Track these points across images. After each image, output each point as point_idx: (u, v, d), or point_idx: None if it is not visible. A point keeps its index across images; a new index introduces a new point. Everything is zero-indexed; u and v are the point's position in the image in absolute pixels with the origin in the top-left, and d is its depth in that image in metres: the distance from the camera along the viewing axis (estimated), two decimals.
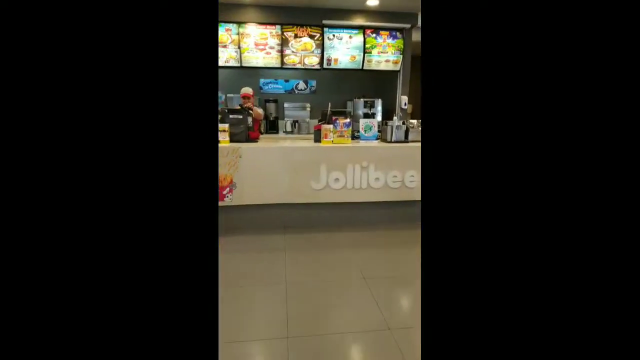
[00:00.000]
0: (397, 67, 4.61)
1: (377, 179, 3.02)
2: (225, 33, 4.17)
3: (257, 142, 3.17)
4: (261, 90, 4.84)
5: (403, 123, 3.23)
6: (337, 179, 2.97)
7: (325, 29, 4.31)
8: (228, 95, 4.55)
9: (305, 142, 3.23)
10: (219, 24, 4.12)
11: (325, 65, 4.41)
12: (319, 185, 2.96)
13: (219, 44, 4.17)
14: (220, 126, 2.93)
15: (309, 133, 4.55)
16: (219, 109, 3.55)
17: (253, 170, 2.86)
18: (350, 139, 3.10)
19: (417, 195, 3.09)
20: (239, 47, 4.21)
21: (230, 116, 3.04)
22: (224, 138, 2.93)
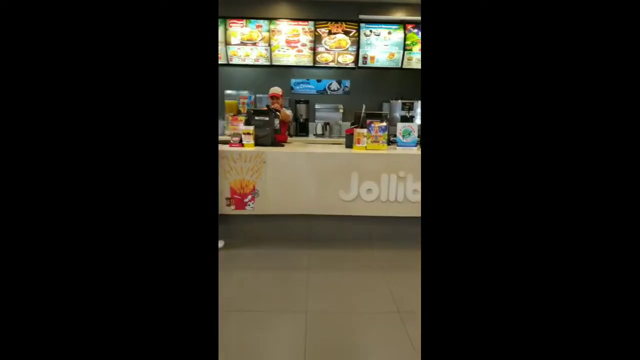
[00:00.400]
0: None
1: (415, 191, 2.67)
2: (256, 30, 3.98)
3: (283, 146, 2.93)
4: (292, 91, 4.62)
5: None
6: (369, 190, 2.65)
7: (362, 25, 4.00)
8: (257, 95, 4.37)
9: (335, 148, 2.94)
10: (249, 21, 3.94)
11: (360, 64, 4.11)
12: (349, 196, 2.66)
13: (249, 42, 4.00)
14: (245, 128, 2.75)
15: (340, 136, 4.27)
16: (246, 109, 3.37)
17: (278, 177, 2.63)
18: (385, 144, 2.78)
19: None
20: (270, 45, 4.01)
21: (256, 118, 2.83)
22: (248, 141, 2.73)
